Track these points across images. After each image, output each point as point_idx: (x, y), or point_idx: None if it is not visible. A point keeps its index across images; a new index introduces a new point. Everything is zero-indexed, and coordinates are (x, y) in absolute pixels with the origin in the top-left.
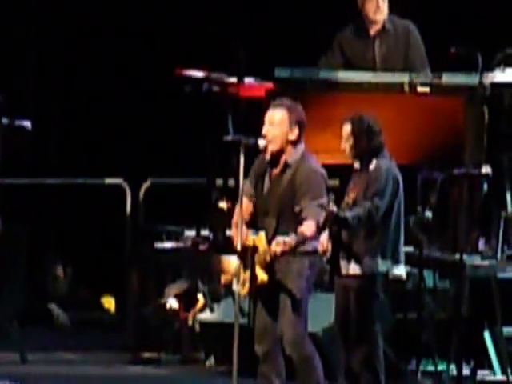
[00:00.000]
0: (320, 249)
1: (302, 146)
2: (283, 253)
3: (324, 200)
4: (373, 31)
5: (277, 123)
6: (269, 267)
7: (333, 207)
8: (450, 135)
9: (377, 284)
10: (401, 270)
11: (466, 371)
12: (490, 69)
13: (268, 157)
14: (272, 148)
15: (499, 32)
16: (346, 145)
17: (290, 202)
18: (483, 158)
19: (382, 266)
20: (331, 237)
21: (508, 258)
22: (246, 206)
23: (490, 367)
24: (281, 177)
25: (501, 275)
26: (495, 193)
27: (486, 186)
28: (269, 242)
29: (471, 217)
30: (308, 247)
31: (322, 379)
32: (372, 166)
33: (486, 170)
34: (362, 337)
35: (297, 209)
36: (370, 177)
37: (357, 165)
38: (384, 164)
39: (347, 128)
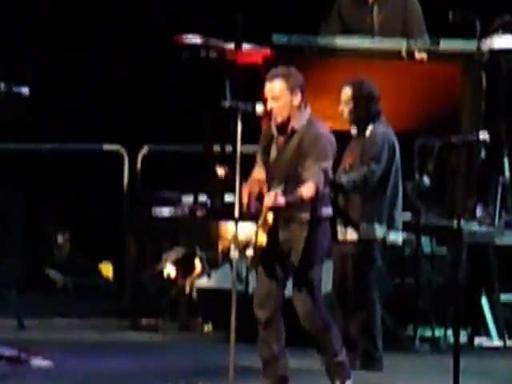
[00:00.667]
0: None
1: (307, 111)
2: (276, 208)
3: (327, 164)
4: None
5: (277, 95)
6: (271, 231)
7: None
8: (448, 102)
9: (374, 250)
10: (397, 236)
11: (463, 337)
12: (488, 35)
13: (274, 126)
14: (280, 120)
15: None
16: (345, 108)
17: (296, 168)
18: (481, 125)
19: (378, 231)
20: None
21: (506, 224)
22: (260, 175)
23: (487, 333)
24: (287, 143)
25: (498, 241)
26: (493, 159)
27: (483, 153)
28: None
29: (469, 183)
30: (319, 213)
31: (340, 347)
32: (368, 132)
33: (483, 136)
34: (360, 303)
35: (299, 170)
36: (366, 142)
37: (354, 130)
38: (380, 130)
39: (348, 92)
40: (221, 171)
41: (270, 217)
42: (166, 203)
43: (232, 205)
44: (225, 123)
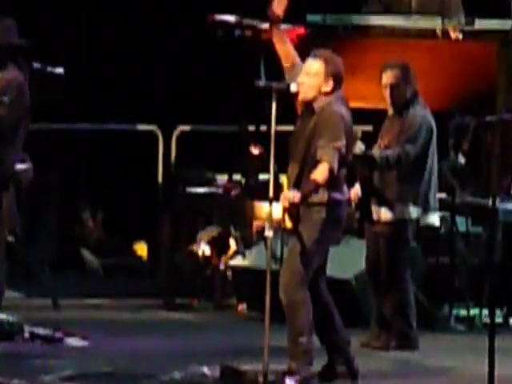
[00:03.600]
0: (352, 197)
1: (334, 94)
2: (293, 204)
3: (341, 143)
4: None
5: (313, 74)
6: (295, 216)
7: (361, 146)
8: (483, 80)
9: (408, 230)
10: (434, 218)
11: (498, 317)
12: None
13: (300, 103)
14: (304, 97)
15: None
16: (386, 90)
17: (312, 148)
18: None
19: (413, 212)
20: (362, 182)
21: None
22: None
23: None
24: (307, 123)
25: None
26: None
27: None
28: (295, 186)
29: (504, 162)
30: (329, 197)
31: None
32: (407, 113)
33: None
34: (393, 283)
35: (313, 149)
36: (404, 123)
37: (391, 110)
38: (419, 111)
39: (394, 73)
40: (255, 150)
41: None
42: (200, 183)
43: (267, 184)
44: (259, 102)
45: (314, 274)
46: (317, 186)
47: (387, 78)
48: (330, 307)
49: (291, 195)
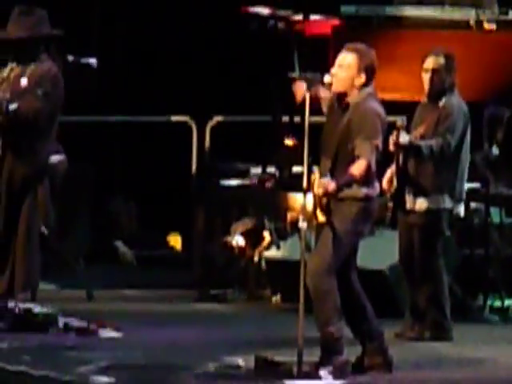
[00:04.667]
0: (385, 186)
1: (367, 90)
2: (327, 194)
3: (378, 141)
4: None
5: (345, 66)
6: (327, 209)
7: (405, 135)
8: None
9: (442, 220)
10: (460, 208)
11: None
12: None
13: (334, 96)
14: (336, 89)
15: None
16: (425, 77)
17: (346, 144)
18: None
19: (448, 202)
20: (398, 171)
21: None
22: None
23: None
24: (341, 117)
25: None
26: None
27: None
28: None
29: None
30: (361, 192)
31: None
32: (442, 103)
33: None
34: (427, 274)
35: (350, 147)
36: (440, 112)
37: (425, 99)
38: (456, 100)
39: (438, 59)
40: (289, 142)
41: (325, 199)
42: (234, 174)
43: (300, 175)
44: (293, 94)
45: (344, 265)
46: (353, 180)
47: (430, 63)
48: (362, 298)
49: (326, 182)
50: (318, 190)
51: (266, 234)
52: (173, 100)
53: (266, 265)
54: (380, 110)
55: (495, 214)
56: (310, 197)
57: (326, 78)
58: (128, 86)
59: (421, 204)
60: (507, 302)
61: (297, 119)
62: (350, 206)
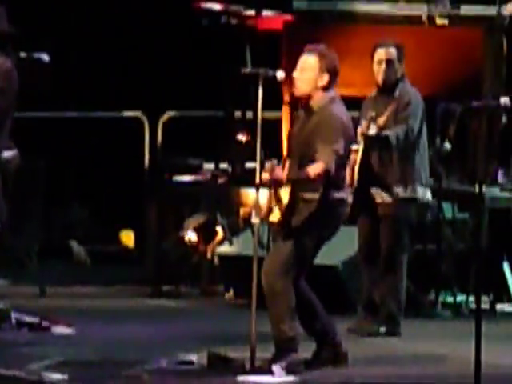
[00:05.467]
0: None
1: (331, 93)
2: (276, 182)
3: (339, 146)
4: None
5: (307, 69)
6: (285, 211)
7: (374, 128)
8: (469, 67)
9: (411, 210)
10: (426, 193)
11: (485, 303)
12: (508, 0)
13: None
14: (299, 93)
15: None
16: (380, 68)
17: (309, 147)
18: (502, 90)
19: (418, 191)
20: (361, 164)
21: None
22: None
23: (509, 299)
24: (307, 121)
25: None
26: None
27: (504, 118)
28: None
29: (490, 148)
30: (329, 195)
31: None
32: (398, 92)
33: (504, 101)
34: (390, 266)
35: (312, 150)
36: (399, 102)
37: (373, 92)
38: (410, 88)
39: (390, 50)
40: (242, 137)
41: (285, 195)
42: (187, 170)
43: (253, 171)
44: (246, 89)
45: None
46: (306, 178)
47: (383, 54)
48: (310, 296)
49: (271, 166)
50: (264, 174)
51: (219, 230)
52: (125, 95)
53: (219, 260)
54: (344, 115)
55: (448, 210)
56: (263, 191)
57: (279, 74)
58: (81, 82)
59: (389, 195)
60: (459, 298)
61: (249, 114)
62: (315, 207)
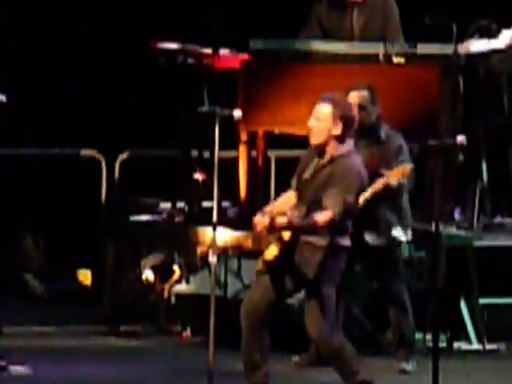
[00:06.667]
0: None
1: (350, 143)
2: (289, 227)
3: (351, 198)
4: (350, 1)
5: (321, 118)
6: (286, 249)
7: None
8: (426, 105)
9: (401, 250)
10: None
11: (442, 341)
12: (465, 39)
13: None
14: (315, 142)
15: (472, 2)
16: (360, 114)
17: (323, 195)
18: (459, 128)
19: (409, 232)
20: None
21: (484, 228)
22: (289, 200)
23: (467, 338)
24: (323, 169)
25: (477, 243)
26: (471, 163)
27: (461, 156)
28: None
29: (447, 187)
30: (335, 241)
31: (358, 365)
32: (386, 135)
33: (461, 139)
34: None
35: (320, 195)
36: (391, 146)
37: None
38: (390, 130)
39: (362, 95)
40: (198, 176)
41: (287, 235)
42: (143, 209)
43: (210, 210)
44: (202, 128)
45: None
46: (314, 225)
47: (355, 98)
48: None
49: (292, 214)
50: (281, 219)
51: (176, 268)
52: (82, 134)
53: (176, 299)
54: (362, 168)
55: (404, 248)
56: (221, 230)
57: (236, 113)
58: (38, 120)
59: (383, 239)
60: (416, 336)
61: (206, 154)
62: (323, 255)
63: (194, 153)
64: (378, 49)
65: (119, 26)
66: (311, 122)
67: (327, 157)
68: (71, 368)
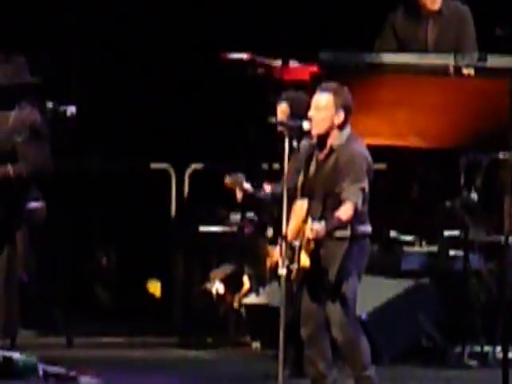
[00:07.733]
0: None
1: (348, 130)
2: (317, 238)
3: (364, 184)
4: (425, 12)
5: (322, 107)
6: (313, 253)
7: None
8: (495, 118)
9: None
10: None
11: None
12: None
13: (314, 140)
14: (317, 132)
15: None
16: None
17: (334, 187)
18: None
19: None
20: None
21: None
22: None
23: None
24: (326, 161)
25: None
26: None
27: None
28: None
29: None
30: (356, 231)
31: (369, 361)
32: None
33: None
34: None
35: (337, 190)
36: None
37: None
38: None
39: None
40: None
41: (312, 244)
42: (213, 221)
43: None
44: (272, 140)
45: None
46: (341, 223)
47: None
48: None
49: (319, 227)
50: (310, 235)
51: (246, 280)
52: (152, 147)
53: (246, 311)
54: (365, 152)
55: (474, 260)
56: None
57: (305, 125)
58: (108, 133)
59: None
60: (486, 348)
61: (276, 166)
62: (343, 245)
63: (264, 165)
64: (448, 60)
65: (189, 38)
66: (312, 112)
67: (327, 148)
68: (141, 379)
